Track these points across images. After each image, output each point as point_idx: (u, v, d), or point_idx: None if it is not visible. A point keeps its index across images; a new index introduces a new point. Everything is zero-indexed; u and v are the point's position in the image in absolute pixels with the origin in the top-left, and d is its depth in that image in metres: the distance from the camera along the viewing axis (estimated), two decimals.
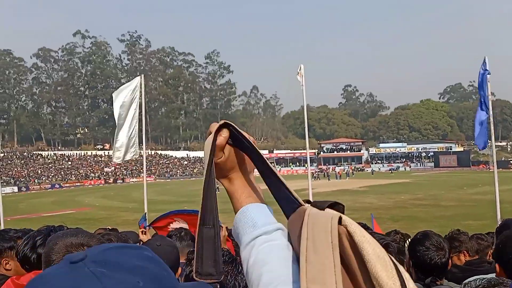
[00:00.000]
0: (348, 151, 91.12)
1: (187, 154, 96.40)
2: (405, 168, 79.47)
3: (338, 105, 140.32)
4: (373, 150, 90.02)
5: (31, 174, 69.64)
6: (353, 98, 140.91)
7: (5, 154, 75.43)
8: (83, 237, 1.65)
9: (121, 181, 70.74)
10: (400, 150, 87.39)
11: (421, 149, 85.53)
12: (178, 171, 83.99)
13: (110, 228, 5.79)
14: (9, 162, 71.80)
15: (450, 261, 2.50)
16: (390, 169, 77.63)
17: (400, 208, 23.83)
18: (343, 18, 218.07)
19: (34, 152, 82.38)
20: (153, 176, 72.47)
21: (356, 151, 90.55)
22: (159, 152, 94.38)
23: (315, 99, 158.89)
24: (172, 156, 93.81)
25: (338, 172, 63.21)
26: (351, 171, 68.22)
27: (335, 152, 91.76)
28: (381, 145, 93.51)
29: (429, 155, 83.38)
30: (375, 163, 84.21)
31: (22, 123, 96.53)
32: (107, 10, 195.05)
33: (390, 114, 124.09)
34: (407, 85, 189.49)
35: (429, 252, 2.34)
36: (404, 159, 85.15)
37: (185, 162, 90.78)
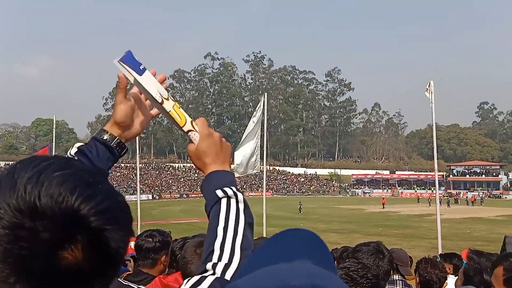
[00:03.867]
0: (483, 175, 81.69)
1: (304, 171, 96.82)
2: None
3: (472, 124, 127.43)
4: None
5: (163, 184, 77.13)
6: (490, 116, 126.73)
7: (143, 165, 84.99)
8: None
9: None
10: None
11: None
12: (295, 188, 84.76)
13: None
14: (146, 172, 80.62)
15: None
16: None
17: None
18: (477, 28, 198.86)
19: (167, 164, 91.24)
20: (271, 191, 74.27)
21: (493, 176, 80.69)
22: (277, 168, 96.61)
23: (444, 117, 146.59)
24: (289, 172, 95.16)
25: (471, 198, 56.96)
26: (485, 197, 60.87)
27: (467, 175, 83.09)
28: None
29: None
30: None
31: (158, 137, 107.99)
32: (234, 32, 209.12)
33: None
34: None
35: None
36: None
37: (302, 179, 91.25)
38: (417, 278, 2.80)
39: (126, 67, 0.92)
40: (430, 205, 47.18)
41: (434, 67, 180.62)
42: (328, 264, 0.51)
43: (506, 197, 69.91)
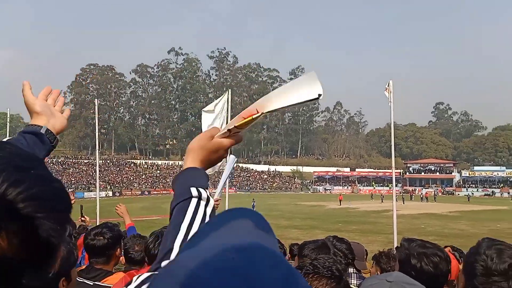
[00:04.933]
0: (438, 173, 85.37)
1: (267, 168, 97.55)
2: (501, 194, 72.31)
3: (428, 123, 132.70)
4: (466, 173, 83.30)
5: (124, 180, 75.43)
6: (445, 116, 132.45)
7: (103, 161, 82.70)
8: None
9: None
10: (498, 174, 79.76)
11: None
12: (258, 185, 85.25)
13: None
14: (106, 168, 78.48)
15: None
16: (485, 194, 71.15)
17: (496, 238, 21.63)
18: (434, 32, 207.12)
19: (128, 161, 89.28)
20: (234, 188, 74.36)
21: (447, 173, 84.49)
22: (240, 165, 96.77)
23: (402, 116, 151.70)
24: (253, 169, 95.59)
25: (425, 194, 59.41)
26: (439, 194, 63.69)
27: (423, 173, 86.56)
28: (476, 168, 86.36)
29: None
30: (468, 187, 77.76)
31: (119, 133, 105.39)
32: (199, 28, 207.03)
33: (487, 134, 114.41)
34: (507, 103, 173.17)
35: None
36: (502, 184, 77.51)
37: (265, 176, 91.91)
38: (378, 272, 2.93)
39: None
40: (382, 202, 48.90)
41: (393, 67, 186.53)
42: (270, 238, 0.52)
43: (458, 194, 73.41)
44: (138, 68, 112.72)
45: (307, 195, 72.94)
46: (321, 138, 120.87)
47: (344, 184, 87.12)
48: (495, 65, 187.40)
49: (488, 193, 73.77)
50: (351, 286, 2.75)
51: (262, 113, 0.92)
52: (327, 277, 1.37)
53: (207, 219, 0.89)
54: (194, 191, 0.89)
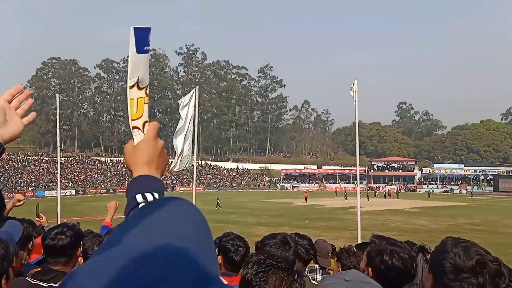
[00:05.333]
0: (400, 170, 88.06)
1: (236, 166, 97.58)
2: (460, 191, 75.52)
3: (392, 122, 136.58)
4: (426, 171, 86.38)
5: (88, 178, 73.45)
6: (407, 116, 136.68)
7: (66, 158, 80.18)
8: None
9: (171, 189, 72.78)
10: (457, 171, 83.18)
11: (480, 171, 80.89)
12: (227, 182, 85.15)
13: None
14: (69, 166, 76.17)
15: None
16: (444, 191, 74.05)
17: (454, 232, 22.60)
18: (399, 33, 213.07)
19: (93, 158, 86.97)
20: (202, 186, 73.97)
21: (409, 171, 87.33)
22: (209, 162, 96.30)
23: (367, 115, 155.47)
24: (221, 167, 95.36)
25: (389, 191, 61.21)
26: (402, 191, 65.74)
27: (387, 170, 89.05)
28: (436, 165, 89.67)
29: (488, 178, 78.68)
30: (428, 184, 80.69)
31: (83, 129, 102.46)
32: (167, 23, 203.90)
33: (446, 133, 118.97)
34: (466, 104, 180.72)
35: None
36: (460, 182, 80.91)
37: (234, 174, 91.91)
38: (339, 268, 3.04)
39: (133, 38, 0.90)
40: (345, 199, 50.08)
41: (358, 67, 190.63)
42: (198, 234, 0.49)
43: (419, 191, 76.00)
44: (103, 63, 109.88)
45: (275, 192, 73.52)
46: (289, 136, 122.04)
47: (311, 181, 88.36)
48: (455, 67, 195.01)
49: (447, 190, 76.76)
50: (313, 282, 2.84)
51: (131, 87, 0.92)
52: (282, 269, 1.39)
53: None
54: (139, 197, 0.88)
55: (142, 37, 0.92)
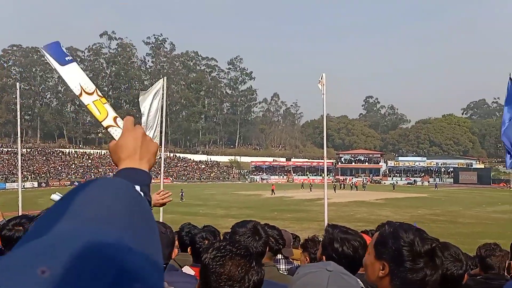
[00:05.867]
0: (366, 163, 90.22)
1: (205, 158, 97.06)
2: (422, 183, 78.25)
3: (359, 116, 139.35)
4: (391, 163, 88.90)
5: (51, 170, 71.17)
6: (374, 109, 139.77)
7: (28, 150, 77.32)
8: None
9: None
10: (419, 164, 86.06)
11: (441, 164, 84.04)
12: (196, 174, 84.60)
13: None
14: (31, 157, 73.50)
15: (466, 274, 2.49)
16: (408, 183, 76.56)
17: (417, 223, 23.43)
18: (367, 29, 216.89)
19: (56, 149, 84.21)
20: (171, 178, 73.19)
21: (375, 163, 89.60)
22: (177, 154, 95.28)
23: (335, 109, 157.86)
24: (190, 159, 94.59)
25: (355, 183, 62.63)
26: (368, 183, 67.40)
27: (353, 163, 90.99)
28: (400, 158, 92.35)
29: (448, 170, 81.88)
30: (393, 176, 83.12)
31: (46, 120, 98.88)
32: (134, 12, 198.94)
33: (410, 127, 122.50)
34: (429, 99, 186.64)
35: (446, 262, 2.32)
36: (423, 174, 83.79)
37: (203, 166, 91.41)
38: (307, 257, 3.09)
39: (48, 56, 0.90)
40: (311, 191, 50.94)
41: (327, 61, 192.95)
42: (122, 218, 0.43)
43: (384, 183, 78.21)
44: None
45: (244, 184, 73.72)
46: (258, 128, 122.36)
47: (280, 173, 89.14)
48: (419, 63, 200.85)
49: (411, 182, 79.38)
50: (280, 271, 2.88)
51: (79, 95, 0.91)
52: (240, 255, 1.40)
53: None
54: None
55: (55, 51, 0.91)
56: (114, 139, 0.95)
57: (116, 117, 0.95)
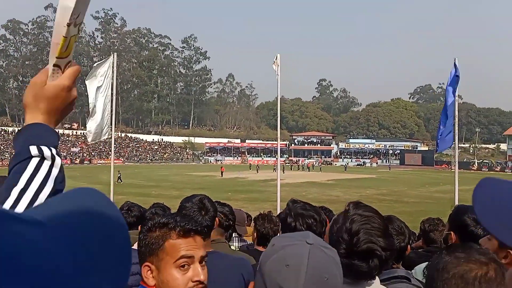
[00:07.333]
0: (319, 145, 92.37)
1: (158, 139, 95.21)
2: (371, 164, 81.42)
3: (312, 98, 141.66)
4: (342, 145, 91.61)
5: None
6: (327, 92, 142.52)
7: None
8: None
9: (88, 162, 69.25)
10: (369, 146, 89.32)
11: (389, 146, 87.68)
12: (148, 155, 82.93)
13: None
14: None
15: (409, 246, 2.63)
16: (357, 164, 79.45)
17: (365, 202, 24.42)
18: (322, 12, 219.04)
19: None
20: (122, 159, 71.34)
21: (327, 145, 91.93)
22: (129, 135, 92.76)
23: (290, 91, 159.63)
24: (142, 139, 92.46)
25: (308, 164, 64.11)
26: (319, 164, 69.16)
27: (306, 145, 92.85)
28: (351, 140, 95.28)
29: (395, 152, 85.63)
30: (344, 158, 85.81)
31: None
32: None
33: (361, 110, 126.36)
34: (380, 83, 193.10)
35: None
36: (372, 155, 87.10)
37: (156, 147, 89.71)
38: (255, 233, 3.12)
39: None
40: (257, 172, 51.51)
41: (282, 41, 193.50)
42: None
43: (336, 164, 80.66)
44: (9, 23, 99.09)
45: (198, 165, 73.28)
46: (213, 109, 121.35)
47: (234, 155, 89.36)
48: (371, 48, 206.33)
49: (360, 163, 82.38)
50: (232, 248, 2.91)
51: (69, 24, 0.81)
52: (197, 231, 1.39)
53: (52, 180, 0.78)
54: (33, 149, 0.78)
55: None
56: (47, 79, 0.85)
57: (69, 62, 0.88)
